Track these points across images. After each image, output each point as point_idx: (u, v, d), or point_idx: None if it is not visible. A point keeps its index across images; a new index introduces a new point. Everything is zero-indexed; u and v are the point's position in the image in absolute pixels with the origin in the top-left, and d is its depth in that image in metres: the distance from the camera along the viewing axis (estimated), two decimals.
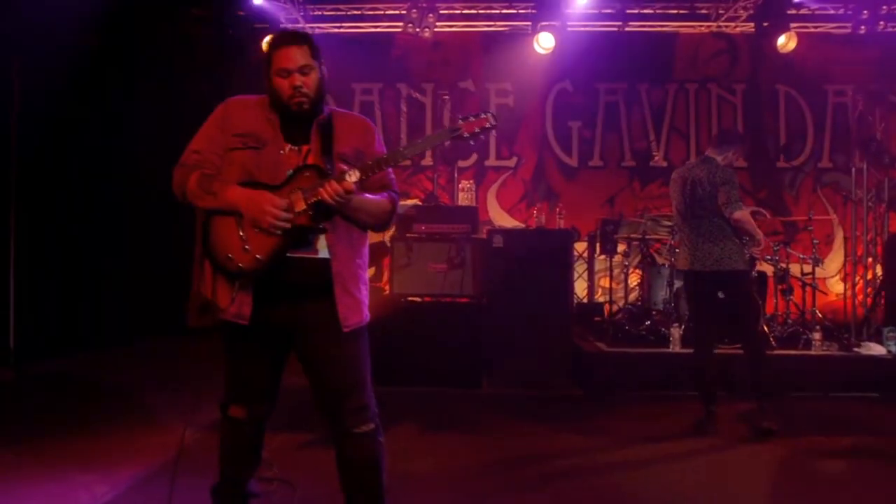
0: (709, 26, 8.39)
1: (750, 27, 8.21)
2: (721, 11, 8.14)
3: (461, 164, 8.32)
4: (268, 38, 2.56)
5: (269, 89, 2.45)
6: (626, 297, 7.08)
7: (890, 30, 8.04)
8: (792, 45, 7.50)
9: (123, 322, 7.50)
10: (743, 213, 4.37)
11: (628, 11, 8.27)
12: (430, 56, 8.61)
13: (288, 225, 2.28)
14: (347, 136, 2.51)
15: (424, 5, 7.93)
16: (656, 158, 8.57)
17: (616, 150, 8.61)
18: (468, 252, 5.69)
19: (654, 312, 6.27)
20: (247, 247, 2.30)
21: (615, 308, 7.68)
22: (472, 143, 2.40)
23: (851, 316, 6.53)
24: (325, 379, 2.42)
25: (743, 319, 4.53)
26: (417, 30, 8.15)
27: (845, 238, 8.02)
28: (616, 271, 7.96)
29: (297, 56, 2.39)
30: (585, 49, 8.25)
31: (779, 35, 7.50)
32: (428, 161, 8.45)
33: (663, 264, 6.32)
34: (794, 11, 7.60)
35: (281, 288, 2.36)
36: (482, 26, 8.49)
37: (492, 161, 8.65)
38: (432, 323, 5.65)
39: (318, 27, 8.41)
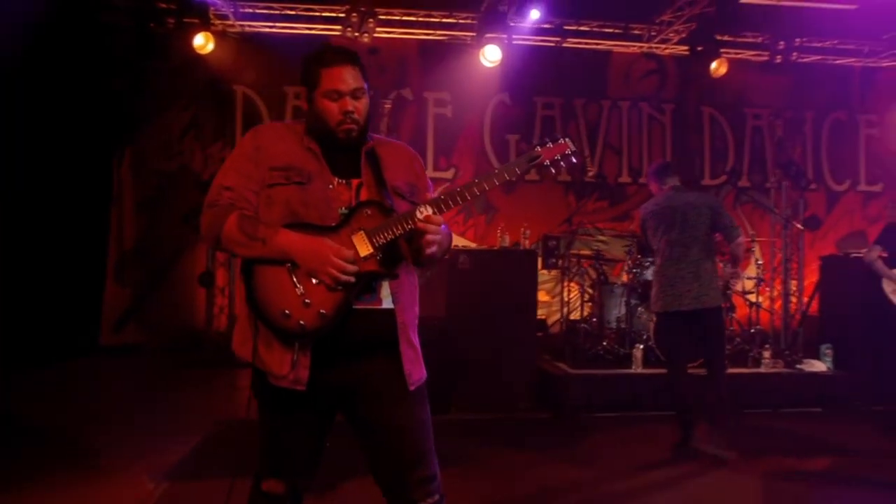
0: (641, 47, 8.62)
1: (680, 50, 8.53)
2: (653, 33, 8.39)
3: None
4: (313, 54, 2.23)
5: (312, 112, 2.15)
6: (562, 312, 7.12)
7: (802, 60, 8.59)
8: (723, 69, 7.85)
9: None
10: (744, 238, 4.47)
11: (566, 27, 8.35)
12: (366, 62, 8.23)
13: (353, 278, 2.00)
14: (397, 167, 2.25)
15: (364, 9, 7.64)
16: (591, 173, 8.70)
17: None
18: (431, 273, 5.49)
19: (608, 331, 6.32)
20: (307, 300, 1.98)
21: (550, 322, 7.77)
22: (553, 171, 2.19)
23: (781, 331, 6.92)
24: (388, 447, 2.12)
25: (716, 355, 4.48)
26: (356, 34, 7.84)
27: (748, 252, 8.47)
28: (551, 285, 8.04)
29: (349, 77, 2.12)
30: (524, 63, 8.25)
31: (711, 59, 7.81)
32: None
33: (615, 283, 6.38)
34: (723, 38, 7.91)
35: (340, 344, 2.06)
36: (421, 34, 8.28)
37: (429, 172, 8.34)
38: None
39: (250, 26, 7.90)
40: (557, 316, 8.02)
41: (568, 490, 3.90)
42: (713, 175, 8.85)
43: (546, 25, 8.23)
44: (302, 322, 1.98)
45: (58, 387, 6.12)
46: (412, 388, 2.15)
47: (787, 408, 5.60)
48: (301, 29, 8.02)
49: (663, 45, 8.56)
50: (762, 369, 5.78)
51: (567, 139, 2.16)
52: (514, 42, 8.03)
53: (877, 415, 5.41)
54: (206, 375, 6.90)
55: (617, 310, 6.31)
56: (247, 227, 2.02)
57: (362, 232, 2.05)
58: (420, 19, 8.10)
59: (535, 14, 7.26)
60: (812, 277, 8.04)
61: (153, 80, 7.68)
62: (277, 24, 7.95)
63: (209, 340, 7.40)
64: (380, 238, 2.04)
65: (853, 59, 8.79)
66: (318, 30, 8.06)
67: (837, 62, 8.79)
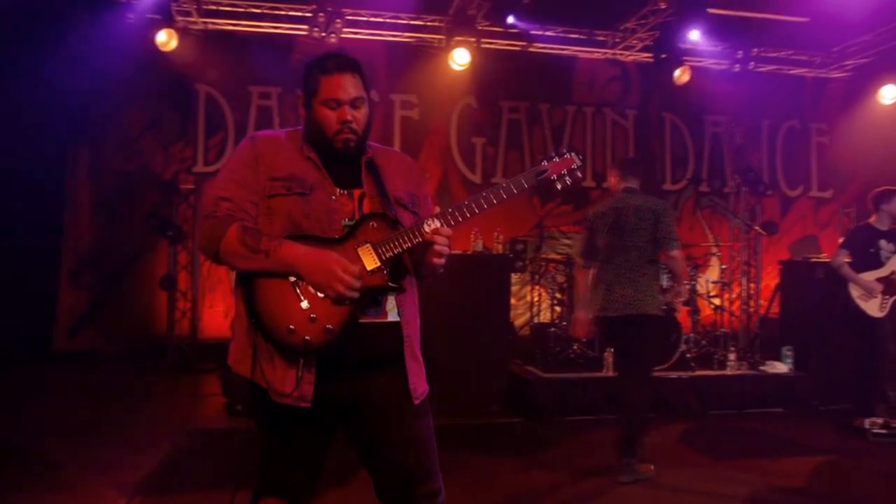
0: (605, 53, 8.75)
1: (643, 57, 8.68)
2: (617, 40, 8.53)
3: None
4: (314, 60, 2.18)
5: (309, 120, 2.11)
6: (530, 316, 7.18)
7: (759, 69, 8.85)
8: (686, 77, 8.02)
9: None
10: (680, 252, 4.25)
11: (532, 33, 8.41)
12: None
13: (357, 294, 1.96)
14: (398, 177, 2.22)
15: (331, 9, 7.55)
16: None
17: (518, 167, 8.72)
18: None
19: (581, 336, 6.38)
20: (313, 315, 1.94)
21: (517, 325, 7.81)
22: (558, 186, 2.18)
23: (739, 333, 7.12)
24: (394, 462, 2.09)
25: (634, 367, 4.28)
26: (323, 34, 7.75)
27: (714, 255, 8.70)
28: (516, 288, 8.08)
29: (350, 86, 2.07)
30: (490, 66, 8.29)
31: (674, 67, 7.97)
32: None
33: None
34: (686, 46, 8.09)
35: (345, 359, 2.02)
36: (388, 36, 8.22)
37: None
38: None
39: (213, 23, 7.72)
40: (523, 319, 8.09)
41: (542, 494, 3.92)
42: (674, 180, 9.03)
43: (512, 30, 8.27)
44: (308, 338, 1.94)
45: (8, 395, 5.86)
46: (417, 402, 2.13)
47: (752, 408, 5.76)
48: (266, 28, 7.87)
49: (627, 52, 8.70)
50: (727, 371, 5.93)
51: (573, 154, 2.16)
52: (482, 46, 8.03)
53: (833, 413, 5.60)
54: (168, 383, 6.73)
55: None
56: (248, 239, 1.96)
57: (369, 245, 2.02)
58: (387, 21, 8.03)
59: (510, 19, 7.26)
60: (768, 280, 8.30)
61: (112, 76, 7.42)
62: (242, 23, 7.79)
63: (171, 346, 7.19)
64: (387, 251, 2.01)
65: (805, 70, 9.09)
66: (283, 29, 7.92)
67: (791, 72, 9.08)
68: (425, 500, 2.10)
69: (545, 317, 7.45)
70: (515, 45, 8.52)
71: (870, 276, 5.41)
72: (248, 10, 7.67)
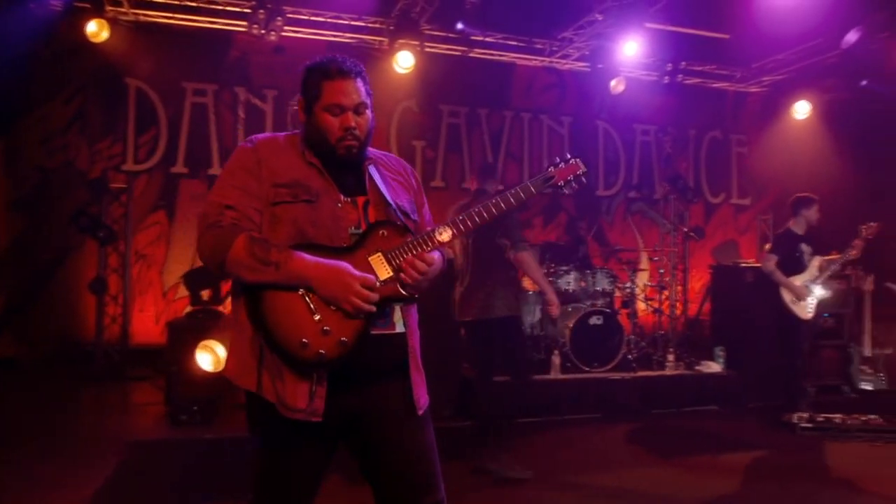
0: (542, 61, 8.94)
1: (579, 66, 8.93)
2: (555, 48, 8.74)
3: None
4: (316, 63, 2.14)
5: (310, 125, 2.08)
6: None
7: (685, 82, 9.27)
8: (621, 87, 8.30)
9: None
10: (526, 255, 4.17)
11: (473, 38, 8.49)
12: (271, 61, 8.01)
13: (373, 307, 1.93)
14: (398, 184, 2.22)
15: (271, 6, 7.36)
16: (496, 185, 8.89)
17: (457, 171, 8.80)
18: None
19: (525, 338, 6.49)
20: (326, 328, 1.91)
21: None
22: (565, 191, 2.23)
23: (667, 334, 7.43)
24: (400, 473, 2.07)
25: (481, 370, 4.34)
26: (263, 31, 7.56)
27: (651, 260, 9.08)
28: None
29: (353, 92, 2.06)
30: (431, 70, 8.30)
31: (610, 77, 8.25)
32: None
33: (528, 290, 6.57)
34: (621, 57, 8.37)
35: (354, 372, 1.99)
36: (329, 36, 8.10)
37: None
38: None
39: (146, 15, 7.38)
40: None
41: (494, 496, 3.98)
42: (607, 186, 9.34)
43: (453, 34, 8.33)
44: (322, 351, 1.90)
45: None
46: (420, 412, 2.12)
47: (689, 407, 6.04)
48: (203, 22, 7.59)
49: (563, 61, 8.93)
50: (667, 372, 6.19)
51: (578, 160, 2.20)
52: (424, 50, 8.04)
53: (763, 410, 5.95)
54: (98, 392, 6.39)
55: (531, 316, 6.50)
56: (257, 250, 1.90)
57: (380, 254, 2.00)
58: (329, 20, 7.91)
59: (459, 25, 7.30)
60: (693, 283, 8.72)
61: (34, 67, 6.98)
62: (177, 15, 7.47)
63: (99, 353, 6.82)
64: (399, 260, 2.00)
65: (727, 84, 9.61)
66: (221, 24, 7.66)
67: (714, 86, 9.57)
68: None
69: None
70: (456, 50, 8.58)
71: (797, 280, 5.76)
72: (183, 2, 7.37)
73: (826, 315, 6.61)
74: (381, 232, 2.02)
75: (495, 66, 8.83)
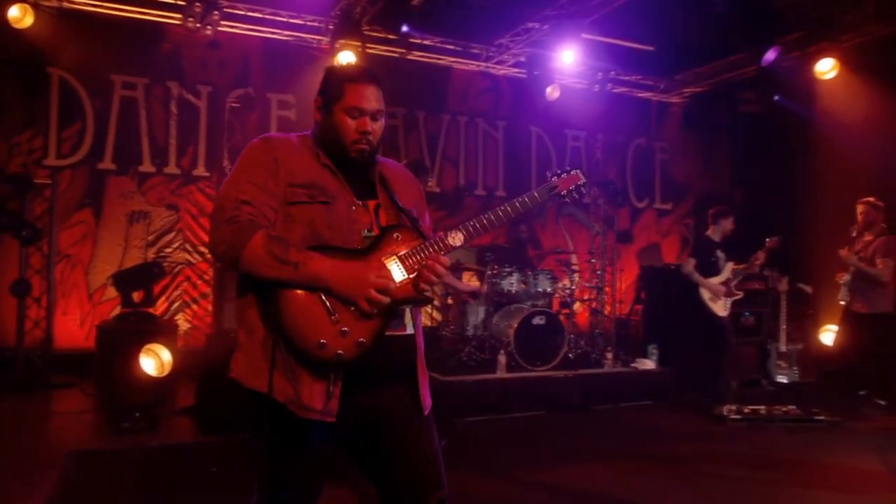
0: (478, 65, 9.10)
1: (513, 71, 9.15)
2: (491, 54, 8.91)
3: None
4: (339, 66, 2.15)
5: (326, 125, 2.10)
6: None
7: (614, 90, 9.67)
8: (556, 94, 8.57)
9: None
10: None
11: (411, 41, 8.54)
12: (205, 56, 7.78)
13: (387, 301, 1.97)
14: (404, 189, 2.27)
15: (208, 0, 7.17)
16: (430, 184, 8.98)
17: None
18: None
19: (468, 338, 6.60)
20: (344, 329, 1.93)
21: None
22: (567, 200, 2.33)
23: (590, 332, 7.74)
24: (410, 473, 2.10)
25: None
26: (198, 25, 7.33)
27: (589, 262, 9.40)
28: None
29: (374, 98, 2.11)
30: None
31: (545, 84, 8.49)
32: (202, 171, 7.68)
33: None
34: (555, 65, 8.64)
35: (367, 373, 2.02)
36: (267, 32, 7.95)
37: None
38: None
39: (71, 4, 7.01)
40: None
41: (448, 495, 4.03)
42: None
43: (392, 36, 8.35)
44: (340, 352, 1.92)
45: None
46: (426, 413, 2.17)
47: (626, 402, 6.32)
48: (133, 12, 7.29)
49: (499, 66, 9.12)
50: (605, 369, 6.45)
51: (578, 171, 2.31)
52: (362, 50, 8.02)
53: (694, 403, 6.29)
54: (21, 400, 6.01)
55: (475, 317, 6.62)
56: (276, 249, 1.90)
57: (395, 257, 2.03)
58: (266, 17, 7.77)
59: (404, 28, 7.33)
60: (619, 284, 9.09)
61: None
62: (105, 4, 7.14)
63: (20, 359, 6.41)
64: (415, 263, 2.04)
65: (651, 94, 10.09)
66: (152, 16, 7.38)
67: (639, 95, 10.03)
68: None
69: (427, 322, 7.59)
70: (395, 52, 8.60)
71: (713, 281, 6.18)
72: None
73: (747, 314, 7.08)
74: (395, 235, 2.06)
75: (433, 69, 8.91)
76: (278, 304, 1.91)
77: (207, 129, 7.75)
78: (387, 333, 2.02)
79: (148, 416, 5.01)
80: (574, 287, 6.91)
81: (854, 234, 6.22)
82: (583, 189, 2.31)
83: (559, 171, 2.30)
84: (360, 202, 2.10)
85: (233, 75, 7.93)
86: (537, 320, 6.22)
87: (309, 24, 8.01)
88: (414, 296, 2.04)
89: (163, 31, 7.51)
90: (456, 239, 2.09)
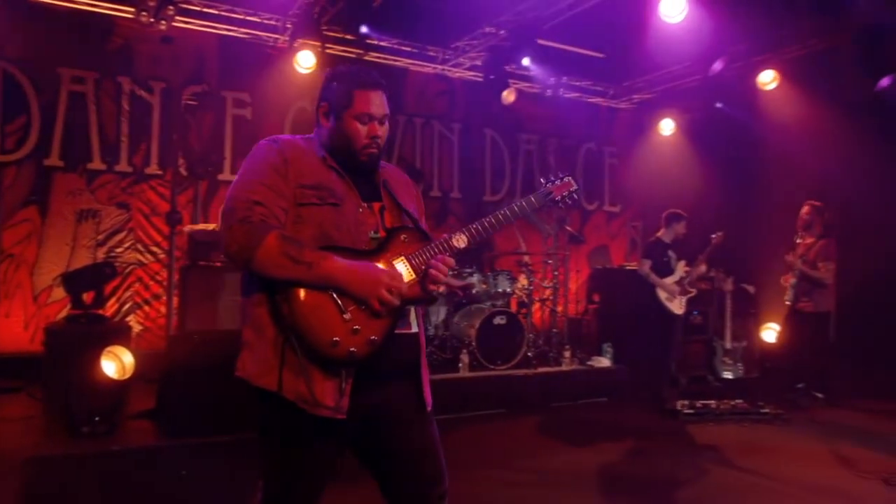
0: (435, 68, 9.18)
1: (469, 75, 9.27)
2: (447, 56, 9.01)
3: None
4: (345, 72, 2.18)
5: (335, 131, 2.15)
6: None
7: (565, 95, 9.90)
8: (512, 98, 8.71)
9: None
10: None
11: (368, 41, 8.55)
12: (158, 51, 7.59)
13: (398, 301, 2.02)
14: (405, 192, 2.35)
15: None
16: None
17: None
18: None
19: (432, 338, 6.67)
20: (356, 327, 1.98)
21: None
22: (561, 206, 2.42)
23: (544, 332, 7.93)
24: (414, 468, 2.18)
25: None
26: (152, 20, 7.15)
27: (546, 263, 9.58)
28: None
29: (381, 103, 2.18)
30: (324, 71, 8.24)
31: (501, 88, 8.63)
32: (155, 170, 7.50)
33: None
34: (510, 69, 8.79)
35: (375, 370, 2.07)
36: (222, 29, 7.82)
37: (226, 176, 7.99)
38: (234, 362, 5.08)
39: None
40: None
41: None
42: (493, 192, 9.75)
43: (349, 37, 8.35)
44: (353, 349, 1.97)
45: None
46: (429, 409, 2.23)
47: (583, 399, 6.50)
48: (83, 4, 7.04)
49: (455, 69, 9.22)
50: (563, 367, 6.62)
51: (570, 178, 2.41)
52: (324, 51, 7.98)
53: (647, 399, 6.52)
54: None
55: (436, 317, 6.69)
56: (290, 249, 1.93)
57: (403, 258, 2.09)
58: (223, 14, 7.65)
59: (363, 29, 7.34)
60: (571, 284, 9.32)
61: None
62: None
63: None
64: (422, 264, 2.10)
65: (601, 99, 10.37)
66: (103, 8, 7.15)
67: (590, 100, 10.30)
68: (439, 500, 2.23)
69: None
70: (352, 52, 8.59)
71: (668, 281, 6.44)
72: None
73: (695, 312, 7.38)
74: (402, 237, 2.12)
75: (389, 70, 8.92)
76: (291, 303, 1.94)
77: (161, 126, 7.56)
78: (396, 332, 2.08)
79: (107, 420, 4.89)
80: (532, 287, 7.06)
81: (798, 239, 6.58)
82: (575, 195, 2.41)
83: (553, 178, 2.40)
84: (366, 204, 2.15)
85: (187, 72, 7.77)
86: (498, 320, 6.34)
87: (265, 21, 7.92)
88: (421, 295, 2.10)
89: (114, 25, 7.30)
90: (460, 241, 2.16)
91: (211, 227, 5.38)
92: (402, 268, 2.08)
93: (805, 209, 6.60)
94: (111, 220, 7.29)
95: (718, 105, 8.90)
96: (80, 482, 4.05)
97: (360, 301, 1.97)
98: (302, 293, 1.95)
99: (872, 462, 4.72)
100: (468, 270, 6.64)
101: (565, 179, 2.39)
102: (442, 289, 2.11)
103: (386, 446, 2.16)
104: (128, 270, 7.34)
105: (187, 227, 5.70)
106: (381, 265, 2.04)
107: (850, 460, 4.79)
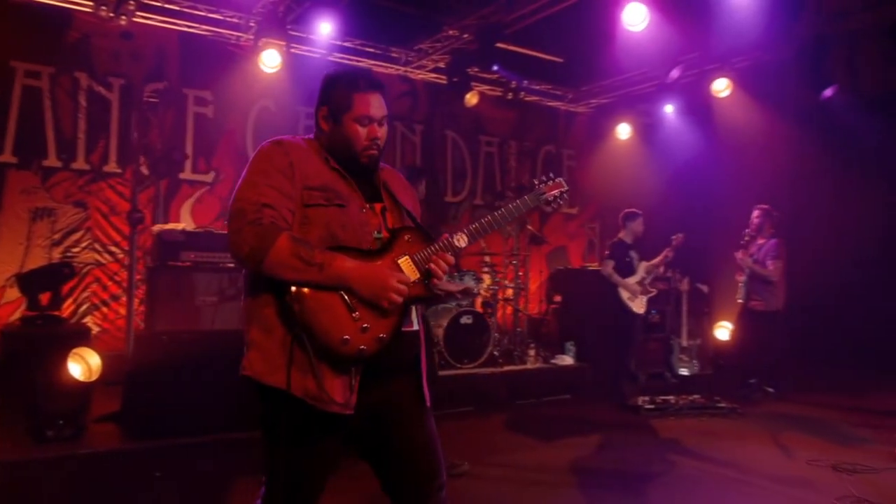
0: (398, 69, 9.22)
1: (431, 77, 9.35)
2: (410, 58, 9.06)
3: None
4: (344, 76, 2.22)
5: (336, 133, 2.21)
6: None
7: (526, 99, 10.08)
8: (475, 100, 8.83)
9: None
10: None
11: (332, 42, 8.53)
12: (116, 46, 7.43)
13: (403, 300, 2.09)
14: (403, 193, 2.41)
15: None
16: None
17: None
18: (243, 283, 5.26)
19: None
20: (365, 325, 2.04)
21: None
22: (553, 206, 2.52)
23: (512, 331, 8.08)
24: (415, 460, 2.24)
25: None
26: (112, 14, 7.00)
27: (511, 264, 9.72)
28: None
29: (381, 105, 2.24)
30: (288, 71, 8.19)
31: (465, 91, 8.74)
32: (114, 168, 7.34)
33: None
34: (473, 72, 8.90)
35: (380, 367, 2.13)
36: (183, 26, 7.70)
37: (187, 174, 7.88)
38: (203, 362, 5.04)
39: None
40: None
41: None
42: (454, 192, 9.85)
43: (312, 36, 8.32)
44: (363, 347, 2.02)
45: None
46: (428, 404, 2.30)
47: (547, 396, 6.66)
48: None
49: (418, 71, 9.28)
50: (528, 365, 6.76)
51: (561, 179, 2.52)
52: (289, 50, 7.93)
53: (610, 395, 6.72)
54: None
55: None
56: (301, 251, 1.98)
57: (407, 257, 2.16)
58: (184, 10, 7.52)
59: (328, 28, 7.34)
60: (530, 284, 9.51)
61: None
62: None
63: None
64: (425, 263, 2.17)
65: (560, 103, 10.58)
66: (61, 0, 6.96)
67: (549, 104, 10.50)
68: (437, 493, 2.28)
69: None
70: (315, 53, 8.55)
71: (630, 281, 6.66)
72: None
73: (654, 312, 7.63)
74: (406, 237, 2.19)
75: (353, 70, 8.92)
76: (302, 303, 1.98)
77: (120, 123, 7.40)
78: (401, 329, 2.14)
79: (72, 423, 4.78)
80: (497, 287, 7.18)
81: (747, 239, 6.88)
82: (566, 195, 2.52)
83: (545, 179, 2.50)
84: (369, 205, 2.21)
85: (147, 68, 7.62)
86: (465, 319, 6.44)
87: (228, 19, 7.82)
88: (425, 293, 2.17)
89: (72, 18, 7.11)
90: (461, 241, 2.24)
91: (180, 226, 5.32)
92: (407, 266, 2.15)
93: (756, 213, 6.91)
94: (68, 219, 7.10)
95: (673, 110, 9.24)
96: (47, 487, 3.96)
97: (370, 301, 2.03)
98: (312, 293, 1.99)
99: (821, 451, 5.00)
100: (455, 274, 6.72)
101: (557, 180, 2.50)
102: (451, 287, 2.19)
103: (388, 440, 2.22)
104: (85, 270, 7.15)
105: (156, 227, 5.61)
106: (388, 265, 2.10)
107: (801, 450, 5.06)
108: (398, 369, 2.21)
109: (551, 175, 2.51)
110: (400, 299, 2.05)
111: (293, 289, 1.99)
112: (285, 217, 2.05)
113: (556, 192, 2.47)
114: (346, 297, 2.02)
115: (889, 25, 6.61)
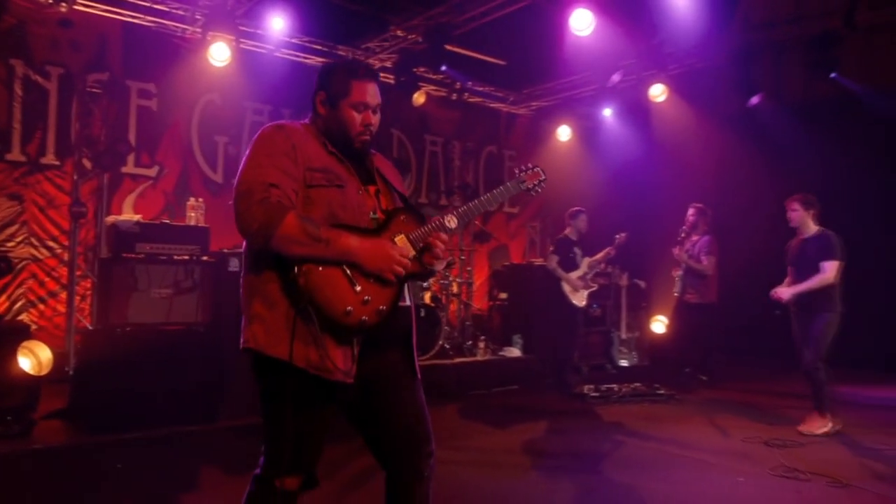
0: None
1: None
2: (357, 57, 9.11)
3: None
4: (343, 64, 2.30)
5: (332, 118, 2.33)
6: None
7: (469, 100, 10.30)
8: (422, 100, 8.97)
9: None
10: None
11: (280, 38, 8.50)
12: (55, 34, 7.19)
13: (403, 272, 2.22)
14: (393, 177, 2.53)
15: None
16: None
17: None
18: (198, 275, 5.23)
19: None
20: (366, 298, 2.15)
21: None
22: (532, 194, 2.68)
23: (458, 325, 8.27)
24: (406, 428, 2.36)
25: None
26: (51, 2, 6.79)
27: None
28: None
29: (376, 94, 2.37)
30: (235, 65, 8.13)
31: (413, 90, 8.87)
32: (51, 160, 7.11)
33: None
34: (419, 72, 9.04)
35: (377, 338, 2.24)
36: (127, 16, 7.52)
37: (129, 168, 7.69)
38: (159, 356, 4.98)
39: None
40: None
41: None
42: None
43: (260, 31, 8.27)
44: (364, 318, 2.13)
45: None
46: (418, 376, 2.43)
47: (497, 387, 6.86)
48: None
49: None
50: (478, 357, 6.94)
51: (539, 168, 2.68)
52: (238, 45, 7.86)
53: (556, 385, 6.97)
54: None
55: None
56: (309, 228, 2.07)
57: (404, 236, 2.28)
58: None
59: (277, 24, 7.33)
60: (475, 280, 9.72)
61: None
62: None
63: None
64: (420, 242, 2.30)
65: (502, 105, 10.85)
66: None
67: (491, 105, 10.75)
68: (427, 459, 2.42)
69: None
70: (263, 48, 8.50)
71: (573, 276, 6.94)
72: None
73: (595, 306, 7.96)
74: (401, 217, 2.31)
75: (300, 68, 8.92)
76: (307, 277, 2.07)
77: (58, 113, 7.16)
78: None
79: (20, 419, 4.64)
80: (449, 281, 7.34)
81: (683, 235, 7.28)
82: (544, 184, 2.69)
83: (525, 168, 2.66)
84: (364, 187, 2.32)
85: (87, 58, 7.40)
86: (419, 313, 6.56)
87: (174, 11, 7.69)
88: (420, 270, 2.30)
89: (7, 2, 6.82)
90: (451, 222, 2.38)
91: (135, 218, 5.22)
92: (404, 245, 2.26)
93: (691, 211, 7.32)
94: (2, 213, 6.81)
95: (608, 114, 9.65)
96: (24, 481, 3.86)
97: (374, 273, 2.14)
98: (315, 268, 2.09)
99: (753, 430, 5.38)
100: None
101: (535, 169, 2.66)
102: (441, 265, 2.32)
103: (380, 408, 2.33)
104: (21, 266, 6.89)
105: (110, 218, 5.49)
106: (384, 240, 2.22)
107: (735, 429, 5.43)
108: (392, 341, 2.33)
109: (531, 165, 2.67)
110: (402, 271, 2.17)
111: (298, 264, 2.07)
112: (290, 196, 2.13)
113: (535, 180, 2.64)
114: (348, 272, 2.12)
115: (810, 38, 7.14)
